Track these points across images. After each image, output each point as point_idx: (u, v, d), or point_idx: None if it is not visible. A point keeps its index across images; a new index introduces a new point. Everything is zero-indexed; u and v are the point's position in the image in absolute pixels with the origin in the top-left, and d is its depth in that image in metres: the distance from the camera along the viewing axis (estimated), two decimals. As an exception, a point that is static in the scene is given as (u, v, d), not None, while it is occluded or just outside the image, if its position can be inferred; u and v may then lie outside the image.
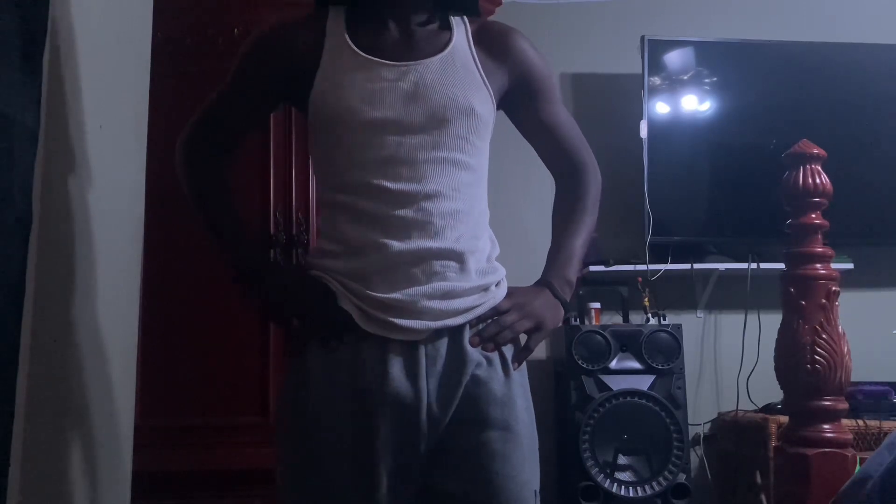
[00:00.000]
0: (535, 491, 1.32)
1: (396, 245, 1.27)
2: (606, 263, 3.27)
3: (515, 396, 1.32)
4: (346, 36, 1.35)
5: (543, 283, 1.39)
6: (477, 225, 1.35)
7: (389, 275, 1.27)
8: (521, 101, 1.43)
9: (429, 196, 1.29)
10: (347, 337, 1.28)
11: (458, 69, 1.34)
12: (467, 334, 1.30)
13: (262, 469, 2.57)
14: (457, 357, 1.28)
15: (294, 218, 2.71)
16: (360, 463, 1.25)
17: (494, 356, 1.31)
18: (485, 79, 1.36)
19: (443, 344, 1.28)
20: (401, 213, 1.28)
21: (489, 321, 1.32)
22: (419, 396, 1.26)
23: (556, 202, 1.50)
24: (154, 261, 2.36)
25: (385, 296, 1.26)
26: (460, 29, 1.39)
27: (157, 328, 2.49)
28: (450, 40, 1.37)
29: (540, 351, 3.34)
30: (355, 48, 1.33)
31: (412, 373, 1.26)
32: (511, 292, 1.36)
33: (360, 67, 1.32)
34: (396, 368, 1.26)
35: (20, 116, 1.21)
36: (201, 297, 2.66)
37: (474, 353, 1.29)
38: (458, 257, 1.30)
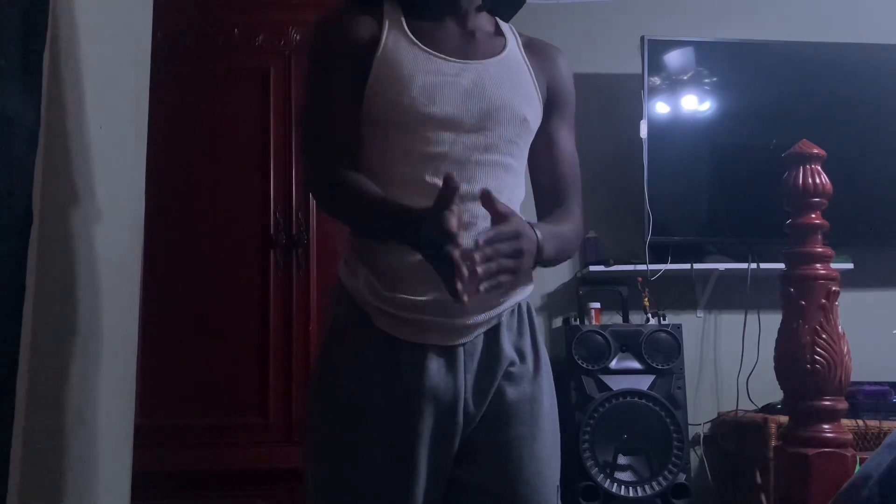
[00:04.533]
0: (557, 486, 1.35)
1: None
2: (606, 263, 3.26)
3: (543, 393, 1.34)
4: (406, 27, 1.34)
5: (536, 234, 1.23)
6: None
7: (429, 273, 1.24)
8: (544, 111, 1.43)
9: (476, 198, 1.27)
10: (384, 337, 1.28)
11: (513, 75, 1.36)
12: (503, 330, 1.31)
13: (262, 469, 2.58)
14: (492, 353, 1.30)
15: (294, 218, 2.71)
16: (398, 457, 1.26)
17: (527, 352, 1.33)
18: (537, 86, 1.39)
19: (479, 340, 1.30)
20: None
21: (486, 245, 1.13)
22: (457, 392, 1.27)
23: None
24: (154, 261, 2.36)
25: (424, 298, 1.26)
26: (511, 38, 1.42)
27: (157, 328, 2.49)
28: (505, 45, 1.40)
29: (540, 351, 3.34)
30: (415, 39, 1.33)
31: (451, 369, 1.27)
32: (512, 218, 1.18)
33: (420, 60, 1.31)
34: (435, 364, 1.27)
35: (20, 116, 1.21)
36: (201, 297, 2.66)
37: (509, 351, 1.31)
38: None
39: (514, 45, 1.41)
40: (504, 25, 1.45)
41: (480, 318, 1.28)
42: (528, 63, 1.40)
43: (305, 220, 2.70)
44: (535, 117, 1.37)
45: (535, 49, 1.44)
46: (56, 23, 1.37)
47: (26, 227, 1.25)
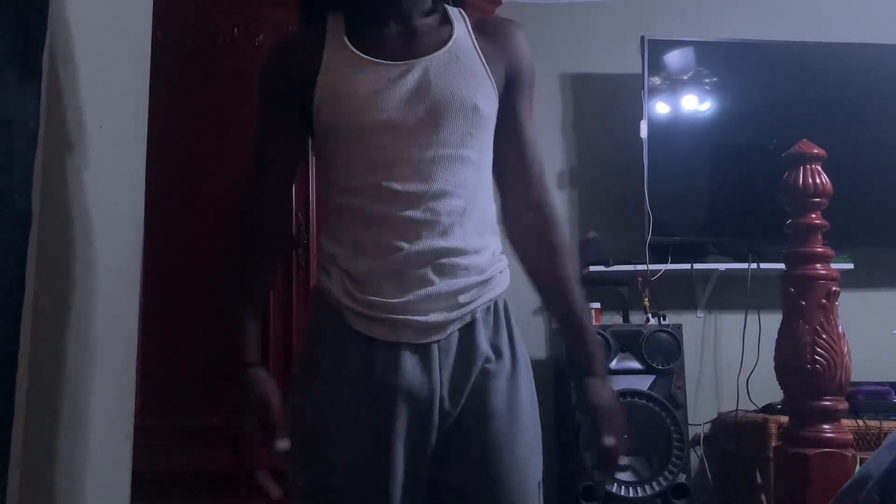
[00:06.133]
0: (539, 482, 1.33)
1: (406, 246, 1.28)
2: (606, 263, 3.26)
3: (521, 389, 1.33)
4: (346, 39, 1.34)
5: (597, 376, 1.40)
6: (483, 219, 1.35)
7: (400, 276, 1.28)
8: (504, 91, 1.40)
9: (435, 196, 1.29)
10: (359, 337, 1.29)
11: (461, 63, 1.34)
12: (479, 327, 1.31)
13: (261, 469, 2.57)
14: (467, 350, 1.30)
15: (294, 218, 2.71)
16: (375, 457, 1.26)
17: (504, 349, 1.32)
18: (488, 70, 1.36)
19: (454, 337, 1.30)
20: (409, 213, 1.28)
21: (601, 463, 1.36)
22: (433, 389, 1.27)
23: (529, 245, 1.43)
24: (154, 261, 2.36)
25: (397, 300, 1.27)
26: (460, 22, 1.39)
27: (157, 328, 2.49)
28: (451, 34, 1.37)
29: (540, 351, 3.35)
30: (355, 50, 1.33)
31: (426, 367, 1.27)
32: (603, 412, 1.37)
33: (361, 70, 1.32)
34: (410, 362, 1.27)
35: (20, 117, 1.21)
36: (201, 296, 2.66)
37: (484, 347, 1.31)
38: (467, 254, 1.31)
39: (462, 31, 1.37)
40: (452, 11, 1.41)
41: (453, 315, 1.29)
42: (477, 46, 1.36)
43: (305, 221, 2.70)
44: (488, 103, 1.35)
45: (487, 29, 1.40)
46: (55, 23, 1.37)
47: (26, 227, 1.25)
